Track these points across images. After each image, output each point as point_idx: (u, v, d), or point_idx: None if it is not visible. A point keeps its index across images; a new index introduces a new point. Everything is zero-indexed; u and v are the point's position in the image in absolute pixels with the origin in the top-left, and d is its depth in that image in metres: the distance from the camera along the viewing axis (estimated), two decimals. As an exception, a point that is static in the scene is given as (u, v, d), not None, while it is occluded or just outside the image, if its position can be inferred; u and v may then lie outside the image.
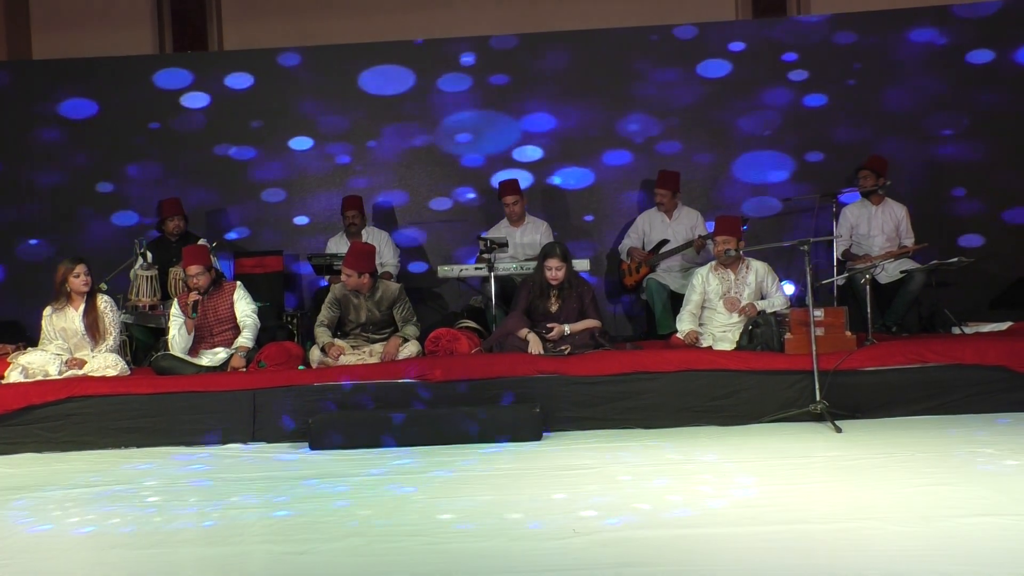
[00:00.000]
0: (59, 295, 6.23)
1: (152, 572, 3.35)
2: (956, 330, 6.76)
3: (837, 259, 7.31)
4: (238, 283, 6.45)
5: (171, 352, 6.20)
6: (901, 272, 7.04)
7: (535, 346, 5.98)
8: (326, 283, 7.42)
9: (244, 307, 6.34)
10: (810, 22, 8.29)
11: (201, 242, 7.04)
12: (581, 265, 6.90)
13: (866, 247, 7.34)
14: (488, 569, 3.19)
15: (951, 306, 7.03)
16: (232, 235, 8.38)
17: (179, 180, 8.34)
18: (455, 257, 8.17)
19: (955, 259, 6.44)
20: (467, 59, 8.33)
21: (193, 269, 6.23)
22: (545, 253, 6.24)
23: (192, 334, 6.23)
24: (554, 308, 6.23)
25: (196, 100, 8.42)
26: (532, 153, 8.32)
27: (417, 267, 8.35)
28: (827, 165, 8.10)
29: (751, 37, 8.22)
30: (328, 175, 8.42)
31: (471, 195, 8.37)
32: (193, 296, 6.20)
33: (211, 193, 8.41)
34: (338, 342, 6.23)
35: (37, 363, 6.09)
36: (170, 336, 6.25)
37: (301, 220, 8.42)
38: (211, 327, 6.33)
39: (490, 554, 3.34)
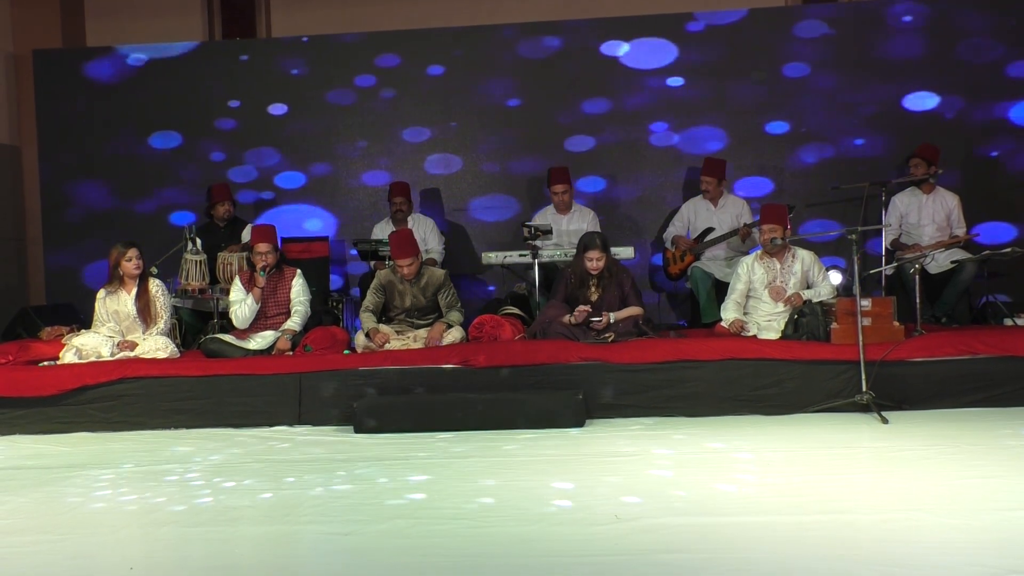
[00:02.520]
0: (112, 278, 6.37)
1: (201, 549, 3.42)
2: (1008, 322, 6.64)
3: (886, 248, 7.21)
4: (298, 270, 6.55)
5: (219, 335, 6.31)
6: (952, 262, 6.92)
7: (568, 317, 6.05)
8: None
9: (299, 293, 6.46)
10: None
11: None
12: (625, 253, 6.90)
13: (916, 236, 7.23)
14: (529, 553, 3.21)
15: (1004, 297, 6.89)
16: (275, 219, 8.50)
17: (225, 163, 8.49)
18: (499, 244, 8.20)
19: (1008, 249, 6.30)
20: (513, 42, 8.34)
21: (263, 247, 6.35)
22: (585, 244, 6.23)
23: (259, 304, 6.35)
24: (594, 297, 6.22)
25: (241, 86, 8.56)
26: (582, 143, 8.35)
27: (462, 253, 8.39)
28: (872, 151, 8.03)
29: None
30: (373, 161, 8.48)
31: (517, 181, 8.39)
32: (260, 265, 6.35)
33: (255, 178, 8.54)
34: (383, 328, 6.28)
35: (90, 345, 6.23)
36: (232, 309, 6.38)
37: (347, 205, 8.51)
38: (267, 310, 6.44)
39: (532, 538, 3.36)
